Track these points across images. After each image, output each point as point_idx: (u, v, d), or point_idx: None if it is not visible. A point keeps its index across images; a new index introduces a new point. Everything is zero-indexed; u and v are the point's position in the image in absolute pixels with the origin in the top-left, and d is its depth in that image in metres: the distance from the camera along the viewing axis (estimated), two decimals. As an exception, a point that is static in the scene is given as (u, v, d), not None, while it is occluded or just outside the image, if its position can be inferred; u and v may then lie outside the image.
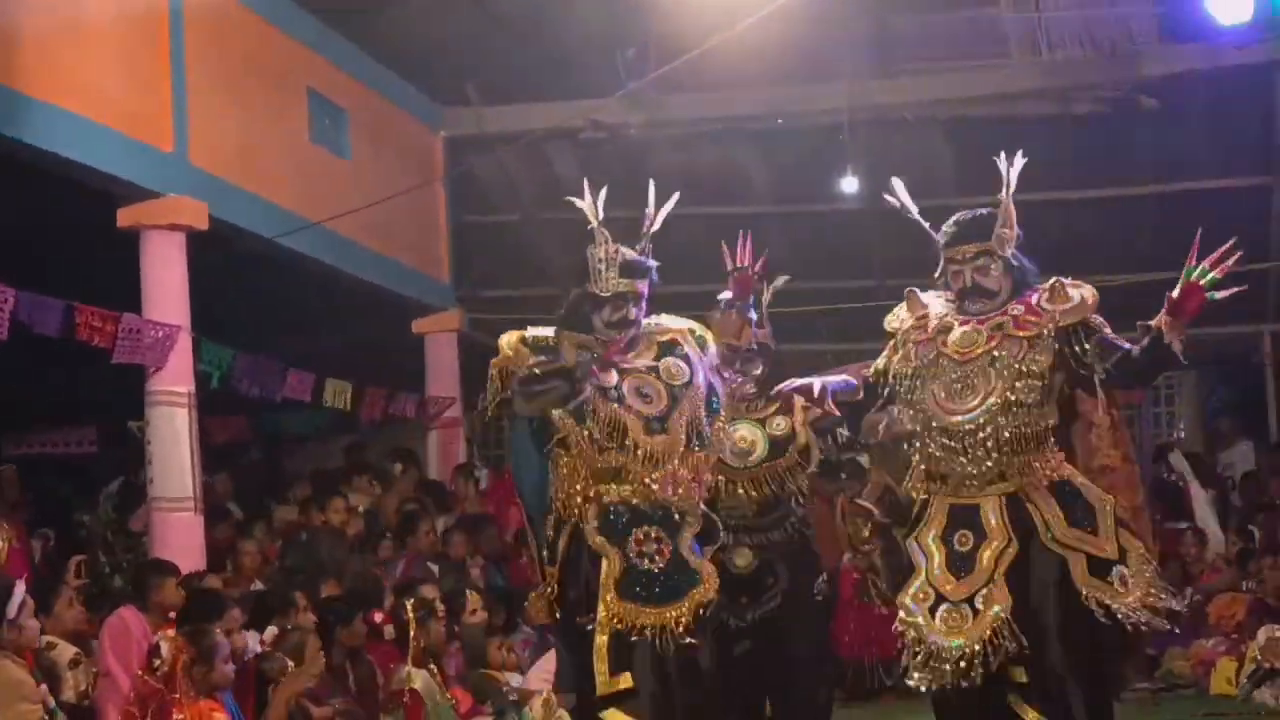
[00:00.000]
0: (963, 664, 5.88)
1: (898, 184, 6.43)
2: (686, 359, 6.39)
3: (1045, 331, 6.04)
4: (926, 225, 6.31)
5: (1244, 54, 12.34)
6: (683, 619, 6.08)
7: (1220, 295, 5.72)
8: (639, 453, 6.18)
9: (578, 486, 6.26)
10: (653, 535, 6.18)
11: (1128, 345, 5.93)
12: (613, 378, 6.21)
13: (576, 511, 6.26)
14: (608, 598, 6.11)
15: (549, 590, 6.36)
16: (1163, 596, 5.94)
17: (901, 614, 6.12)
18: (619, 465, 6.20)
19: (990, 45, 13.18)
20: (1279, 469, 13.85)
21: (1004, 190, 6.20)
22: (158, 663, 6.58)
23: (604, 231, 6.32)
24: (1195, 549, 12.22)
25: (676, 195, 6.55)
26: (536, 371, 6.15)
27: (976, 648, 5.86)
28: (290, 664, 7.82)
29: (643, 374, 6.32)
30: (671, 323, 6.54)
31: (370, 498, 12.65)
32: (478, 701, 9.00)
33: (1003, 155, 6.25)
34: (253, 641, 8.07)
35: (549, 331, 6.36)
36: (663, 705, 6.09)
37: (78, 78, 9.25)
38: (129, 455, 12.47)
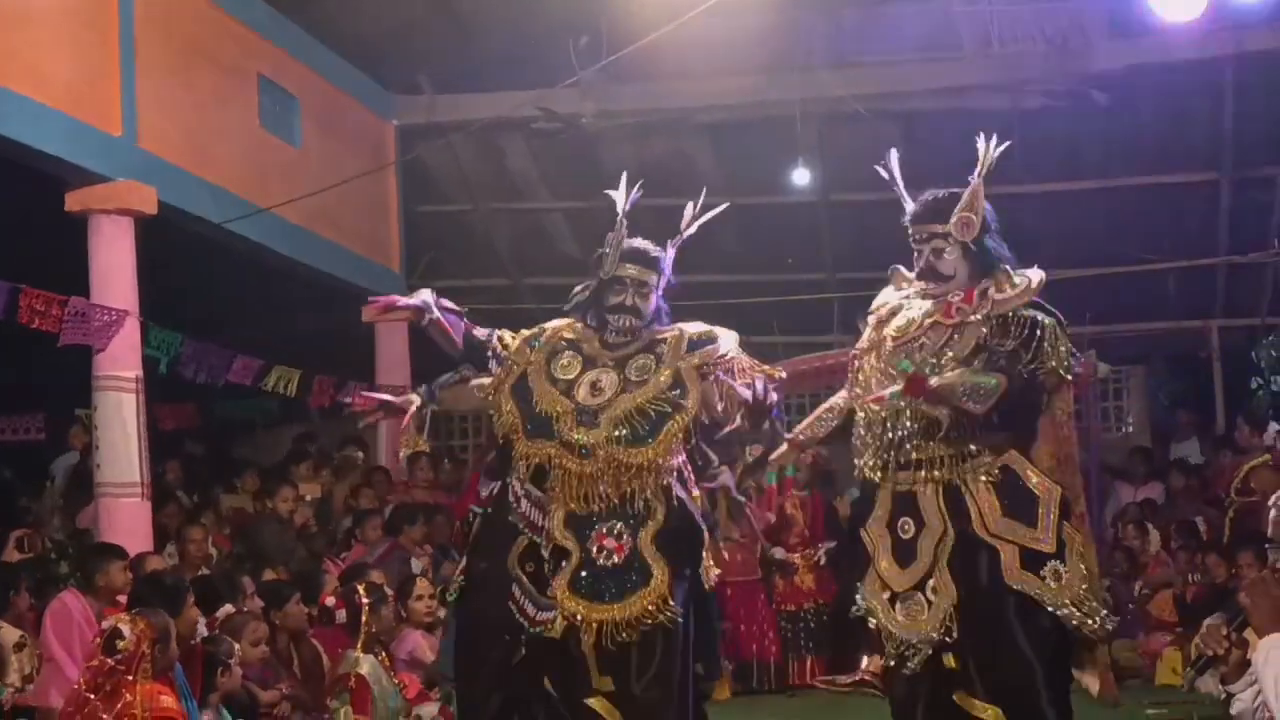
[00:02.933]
0: (917, 652, 5.91)
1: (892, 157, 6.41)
2: (659, 358, 6.32)
3: (975, 320, 5.96)
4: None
5: (1193, 50, 12.42)
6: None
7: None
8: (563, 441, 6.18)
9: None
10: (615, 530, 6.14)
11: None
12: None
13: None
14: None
15: None
16: (1092, 602, 5.81)
17: (858, 599, 6.13)
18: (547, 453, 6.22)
19: (942, 38, 13.23)
20: (1223, 463, 13.85)
21: (976, 173, 6.17)
22: (120, 644, 6.51)
23: (623, 220, 6.37)
24: (1140, 540, 12.27)
25: (725, 204, 6.61)
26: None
27: (934, 636, 5.86)
28: (236, 646, 7.79)
29: (608, 367, 6.32)
30: (690, 328, 6.46)
31: (320, 486, 12.61)
32: (427, 687, 8.97)
33: (992, 140, 6.23)
34: (201, 624, 8.02)
35: None
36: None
37: (26, 60, 9.18)
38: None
